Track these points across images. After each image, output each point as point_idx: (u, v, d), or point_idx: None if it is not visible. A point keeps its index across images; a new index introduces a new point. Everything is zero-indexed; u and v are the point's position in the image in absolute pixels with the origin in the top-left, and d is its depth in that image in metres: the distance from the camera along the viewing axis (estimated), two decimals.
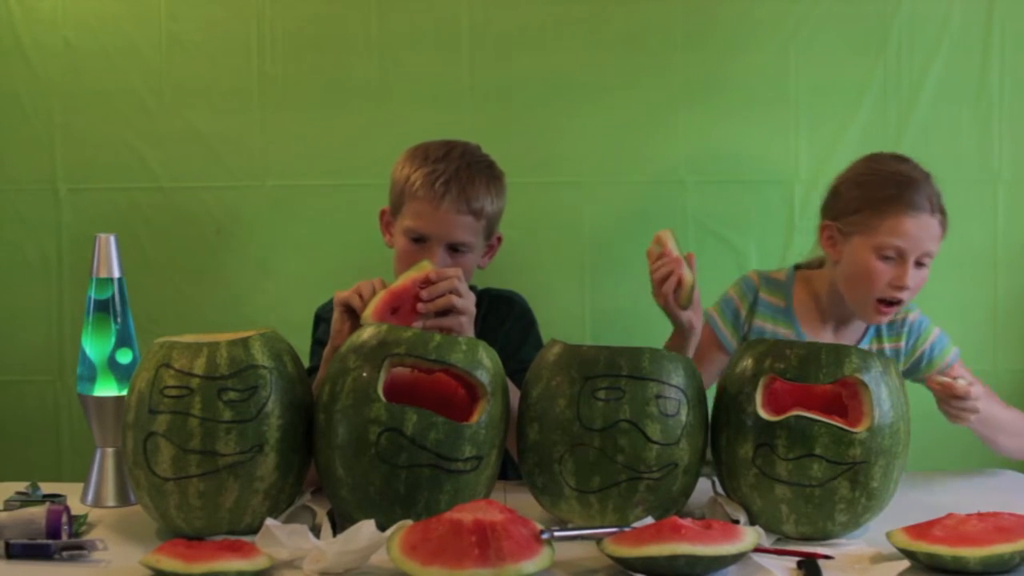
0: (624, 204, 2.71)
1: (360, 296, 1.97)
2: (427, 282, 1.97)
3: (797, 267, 2.36)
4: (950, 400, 2.02)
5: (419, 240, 2.17)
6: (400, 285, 1.98)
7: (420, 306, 1.96)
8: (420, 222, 2.16)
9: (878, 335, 2.28)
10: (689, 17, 2.70)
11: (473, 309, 2.00)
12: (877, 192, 2.18)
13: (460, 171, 2.16)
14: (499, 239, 2.29)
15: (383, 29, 2.69)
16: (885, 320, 2.22)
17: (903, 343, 2.28)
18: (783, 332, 2.27)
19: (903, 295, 2.17)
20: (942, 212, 2.19)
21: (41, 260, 2.71)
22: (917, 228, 2.15)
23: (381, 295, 1.96)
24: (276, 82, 2.69)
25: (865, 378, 1.76)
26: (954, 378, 2.03)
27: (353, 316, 1.97)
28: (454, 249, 2.17)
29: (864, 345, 2.26)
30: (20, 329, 2.72)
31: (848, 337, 2.29)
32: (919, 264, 2.17)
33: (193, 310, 2.70)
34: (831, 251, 2.25)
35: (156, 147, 2.69)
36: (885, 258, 2.16)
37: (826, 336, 2.29)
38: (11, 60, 2.68)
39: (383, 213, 2.29)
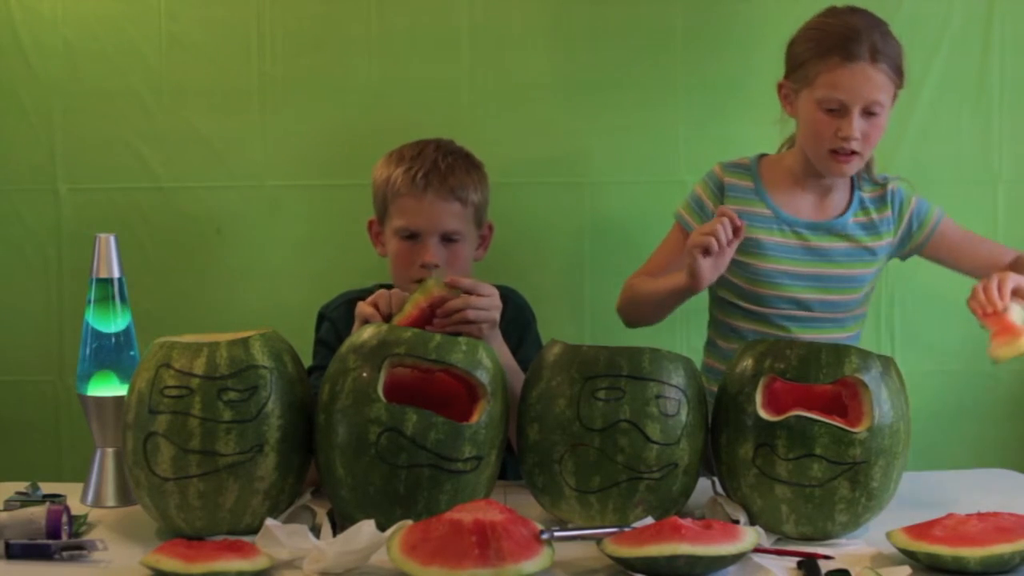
0: (624, 204, 2.71)
1: (377, 307, 1.95)
2: (440, 302, 1.93)
3: (762, 155, 2.37)
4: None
5: (411, 237, 2.18)
6: (408, 316, 1.92)
7: (435, 324, 1.93)
8: (409, 218, 2.18)
9: (863, 207, 2.30)
10: (689, 17, 2.70)
11: (495, 315, 1.98)
12: (817, 45, 2.19)
13: (438, 162, 2.20)
14: (491, 228, 2.31)
15: (383, 29, 2.69)
16: (847, 170, 2.22)
17: (890, 212, 2.30)
18: (758, 211, 2.27)
19: (852, 145, 2.16)
20: (889, 61, 2.17)
21: (41, 260, 2.71)
22: (853, 78, 2.15)
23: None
24: (276, 82, 2.69)
25: (865, 378, 1.76)
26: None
27: None
28: (447, 240, 2.18)
29: (850, 216, 2.29)
30: (20, 329, 2.72)
31: (832, 208, 2.30)
32: (869, 113, 2.16)
33: (193, 310, 2.69)
34: (788, 109, 2.27)
35: (156, 147, 2.69)
36: (829, 111, 2.17)
37: (806, 206, 2.29)
38: (11, 60, 2.68)
39: (371, 224, 2.30)
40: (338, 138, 2.69)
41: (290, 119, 2.69)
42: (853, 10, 2.23)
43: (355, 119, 2.69)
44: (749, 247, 2.25)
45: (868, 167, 2.31)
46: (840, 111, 2.16)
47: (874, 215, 2.29)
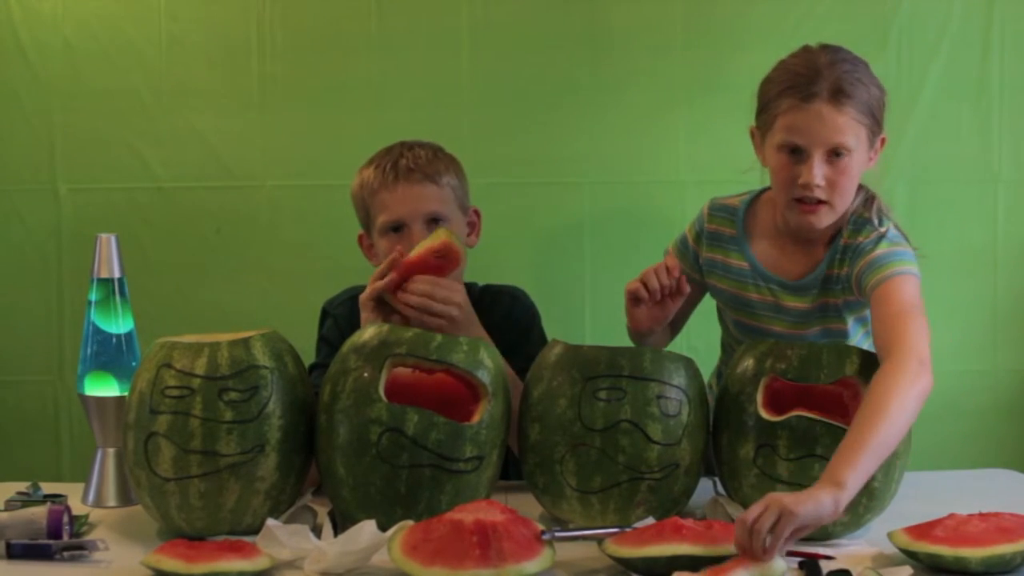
0: (624, 204, 2.71)
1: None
2: (441, 249, 2.00)
3: (764, 191, 2.17)
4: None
5: (396, 229, 2.19)
6: (414, 256, 2.00)
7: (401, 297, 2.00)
8: (389, 211, 2.18)
9: (833, 260, 2.03)
10: (689, 17, 2.70)
11: (452, 311, 1.99)
12: (774, 86, 2.01)
13: (403, 154, 2.21)
14: (477, 213, 2.30)
15: (383, 29, 2.69)
16: (815, 222, 1.99)
17: (847, 268, 2.01)
18: (736, 263, 2.14)
19: (816, 193, 1.96)
20: (855, 103, 1.95)
21: (41, 260, 2.71)
22: (808, 120, 1.94)
23: (393, 273, 1.99)
24: (276, 82, 2.69)
25: (866, 378, 1.76)
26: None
27: (385, 307, 2.00)
28: (433, 225, 2.18)
29: (820, 273, 2.04)
30: (20, 329, 2.72)
31: (806, 262, 2.07)
32: (835, 158, 1.96)
33: (193, 310, 2.69)
34: (759, 156, 2.08)
35: (156, 147, 2.69)
36: (790, 156, 1.97)
37: (787, 259, 2.09)
38: (11, 60, 2.68)
39: (361, 238, 2.29)
40: (338, 138, 2.68)
41: (290, 119, 2.69)
42: (826, 48, 2.01)
43: (355, 119, 2.68)
44: (728, 298, 2.17)
45: (869, 205, 2.05)
46: (801, 156, 1.97)
47: (836, 270, 2.04)
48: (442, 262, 2.01)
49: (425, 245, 2.02)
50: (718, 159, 2.41)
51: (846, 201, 2.01)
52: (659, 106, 2.71)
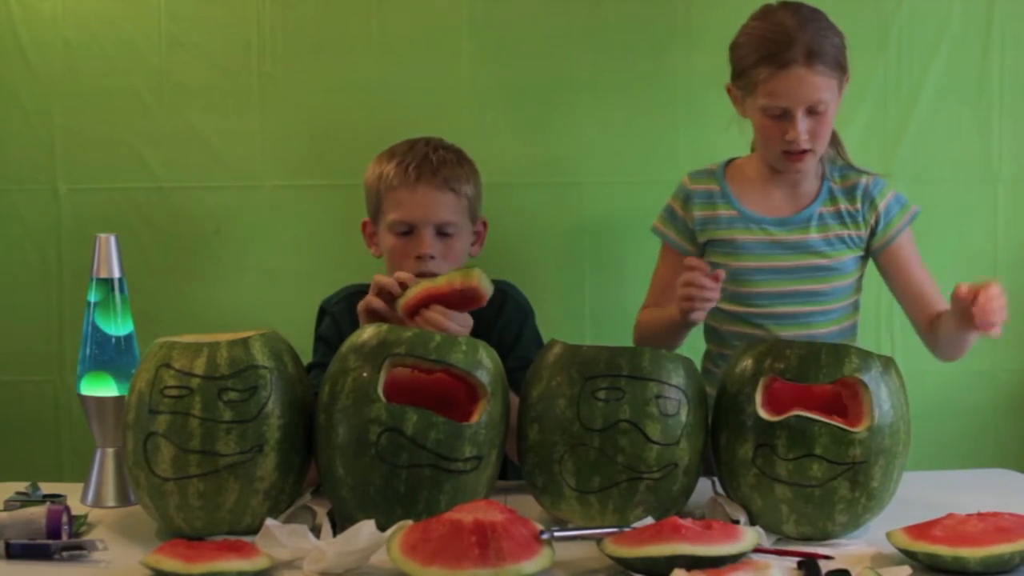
0: (624, 204, 2.71)
1: (380, 293, 1.98)
2: (468, 291, 1.94)
3: (732, 160, 2.38)
4: (980, 304, 1.99)
5: (406, 233, 2.18)
6: (438, 287, 1.95)
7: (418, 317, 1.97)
8: (402, 210, 2.19)
9: (832, 197, 2.29)
10: (689, 17, 2.70)
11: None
12: (750, 54, 2.19)
13: (429, 155, 2.22)
14: (484, 224, 2.31)
15: (383, 29, 2.69)
16: (803, 167, 2.24)
17: (859, 205, 2.27)
18: (724, 212, 2.30)
19: (803, 145, 2.18)
20: (826, 59, 2.16)
21: (41, 260, 2.71)
22: (788, 84, 2.15)
23: (418, 289, 1.95)
24: (276, 82, 2.69)
25: (865, 378, 1.76)
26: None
27: (378, 317, 1.97)
28: (442, 234, 2.18)
29: (818, 207, 2.28)
30: (20, 329, 2.72)
31: (801, 199, 2.29)
32: (814, 111, 2.17)
33: (193, 310, 2.70)
34: (739, 111, 2.28)
35: (156, 147, 2.69)
36: (774, 116, 2.18)
37: (776, 203, 2.30)
38: (11, 60, 2.68)
39: (364, 225, 2.30)
40: (338, 138, 2.69)
41: (290, 119, 2.70)
42: (786, 6, 2.21)
43: (355, 119, 2.69)
44: (722, 247, 2.28)
45: (840, 153, 2.31)
46: (784, 115, 2.17)
47: (842, 205, 2.28)
48: (464, 301, 1.98)
49: (455, 280, 1.96)
50: (718, 159, 2.40)
51: (825, 143, 2.24)
52: (659, 106, 2.71)
